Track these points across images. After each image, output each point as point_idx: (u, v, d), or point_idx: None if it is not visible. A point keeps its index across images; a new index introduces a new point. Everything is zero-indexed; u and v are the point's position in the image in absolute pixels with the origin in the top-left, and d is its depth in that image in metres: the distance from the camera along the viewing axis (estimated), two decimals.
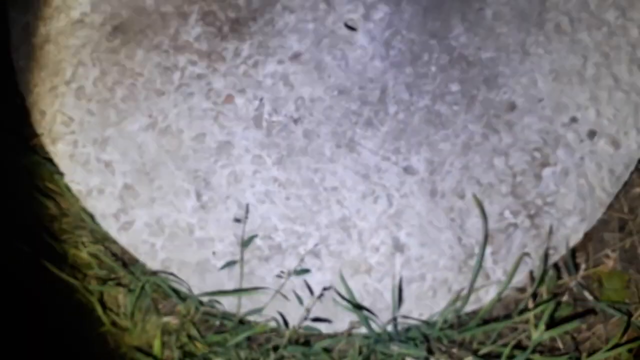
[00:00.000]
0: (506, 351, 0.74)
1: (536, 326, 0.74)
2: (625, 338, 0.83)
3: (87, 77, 0.81)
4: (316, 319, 0.79)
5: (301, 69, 0.82)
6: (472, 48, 0.83)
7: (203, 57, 0.82)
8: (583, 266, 0.85)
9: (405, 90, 0.82)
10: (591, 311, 0.84)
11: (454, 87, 0.82)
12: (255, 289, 0.79)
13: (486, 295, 0.80)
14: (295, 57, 0.82)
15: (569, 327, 0.74)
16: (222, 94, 0.81)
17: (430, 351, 0.73)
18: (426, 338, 0.76)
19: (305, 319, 0.78)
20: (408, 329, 0.79)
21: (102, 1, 0.82)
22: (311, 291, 0.79)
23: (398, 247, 0.80)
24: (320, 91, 0.82)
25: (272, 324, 0.79)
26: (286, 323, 0.79)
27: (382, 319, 0.79)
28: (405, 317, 0.79)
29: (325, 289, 0.79)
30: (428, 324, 0.78)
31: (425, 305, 0.80)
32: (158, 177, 0.80)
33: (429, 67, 0.83)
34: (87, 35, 0.81)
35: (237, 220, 0.78)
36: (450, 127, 0.82)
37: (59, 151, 0.79)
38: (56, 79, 0.81)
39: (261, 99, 0.81)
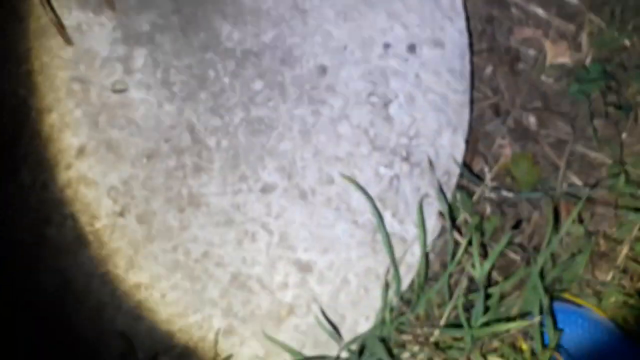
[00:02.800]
0: (458, 302, 0.71)
1: (473, 266, 0.71)
2: (564, 211, 0.83)
3: None
4: None
5: (94, 160, 0.77)
6: (250, 38, 0.82)
7: None
8: (486, 169, 0.84)
9: (212, 117, 0.79)
10: (516, 207, 0.83)
11: (258, 85, 0.80)
12: None
13: (414, 259, 0.77)
14: (81, 152, 0.77)
15: (503, 244, 0.71)
16: (29, 240, 0.74)
17: (391, 354, 0.68)
18: (384, 340, 0.72)
19: None
20: (365, 341, 0.74)
21: None
22: None
23: (304, 268, 0.76)
24: (128, 168, 0.77)
25: None
26: None
27: (333, 352, 0.74)
28: (354, 338, 0.74)
29: None
30: (378, 325, 0.73)
31: (365, 307, 0.76)
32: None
33: (221, 81, 0.80)
34: None
35: (124, 356, 0.71)
36: (279, 125, 0.79)
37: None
38: None
39: (72, 215, 0.76)
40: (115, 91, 0.80)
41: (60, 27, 0.81)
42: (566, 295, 0.77)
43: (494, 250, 0.73)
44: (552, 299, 0.73)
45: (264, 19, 0.83)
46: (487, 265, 0.72)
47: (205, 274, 0.76)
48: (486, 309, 0.75)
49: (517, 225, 0.83)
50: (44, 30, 0.82)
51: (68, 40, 0.82)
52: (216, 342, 0.74)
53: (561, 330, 0.70)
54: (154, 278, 0.75)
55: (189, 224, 0.77)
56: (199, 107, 0.80)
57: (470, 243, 0.75)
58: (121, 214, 0.77)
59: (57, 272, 0.75)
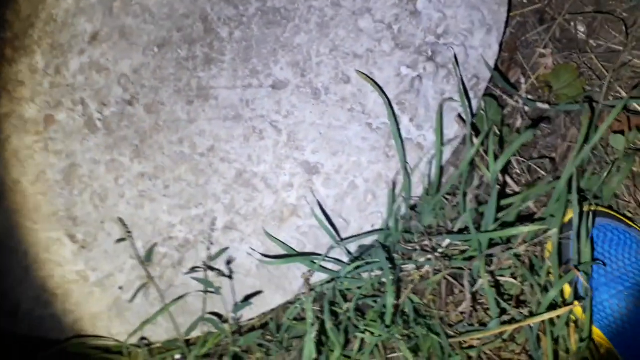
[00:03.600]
0: (466, 216, 0.65)
1: (493, 160, 0.65)
2: (603, 122, 0.74)
3: None
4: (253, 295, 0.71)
5: (107, 47, 0.76)
6: None
7: (1, 94, 0.75)
8: (522, 80, 0.77)
9: (227, 6, 0.76)
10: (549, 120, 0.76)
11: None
12: (177, 300, 0.71)
13: (430, 168, 0.72)
14: (94, 38, 0.76)
15: (523, 139, 0.64)
16: (40, 119, 0.75)
17: (392, 262, 0.65)
18: (387, 250, 0.68)
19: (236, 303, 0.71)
20: (370, 248, 0.71)
21: None
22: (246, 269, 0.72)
23: (311, 170, 0.73)
24: (139, 57, 0.75)
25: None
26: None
27: (334, 254, 0.71)
28: (354, 235, 0.71)
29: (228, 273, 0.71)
30: (384, 231, 0.70)
31: (372, 214, 0.72)
32: (19, 243, 0.73)
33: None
34: None
35: (122, 240, 0.71)
36: (295, 16, 0.75)
37: None
38: None
39: (83, 101, 0.75)
40: None
41: None
42: (614, 213, 0.69)
43: (511, 145, 0.66)
44: (595, 214, 0.65)
45: None
46: (502, 160, 0.65)
47: (210, 169, 0.75)
48: (505, 219, 0.68)
49: (538, 125, 0.74)
50: None
51: None
52: (210, 238, 0.73)
53: (594, 246, 0.63)
54: (158, 169, 0.75)
55: (196, 116, 0.75)
56: None
57: (486, 144, 0.68)
58: (130, 102, 0.76)
59: (65, 155, 0.76)
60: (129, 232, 0.72)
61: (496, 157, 0.67)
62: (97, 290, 0.73)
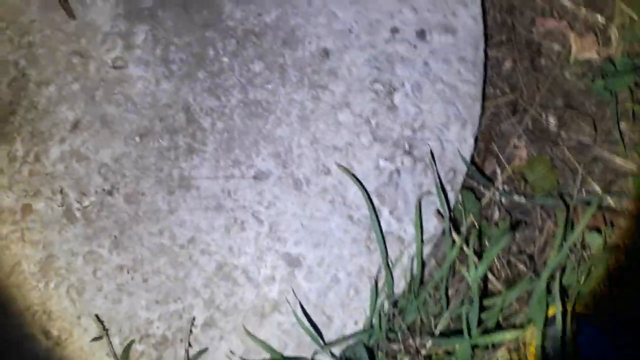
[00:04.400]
0: (457, 311, 0.67)
1: (473, 266, 0.67)
2: (579, 220, 0.77)
3: None
4: None
5: (88, 135, 0.77)
6: (253, 17, 0.80)
7: None
8: (498, 171, 0.80)
9: (209, 97, 0.78)
10: (528, 212, 0.78)
11: (257, 67, 0.78)
12: None
13: (412, 261, 0.73)
14: (75, 126, 0.77)
15: (501, 245, 0.67)
16: (17, 208, 0.74)
17: None
18: (370, 348, 0.69)
19: None
20: (349, 348, 0.71)
21: None
22: None
23: (293, 262, 0.74)
24: (121, 146, 0.76)
25: None
26: None
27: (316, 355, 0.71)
28: (336, 340, 0.71)
29: None
30: (366, 331, 0.70)
31: (355, 310, 0.73)
32: None
33: (219, 60, 0.79)
34: None
35: (98, 338, 0.70)
36: (276, 109, 0.77)
37: None
38: None
39: (61, 190, 0.75)
40: (115, 67, 0.80)
41: (65, 0, 0.82)
42: (595, 315, 0.71)
43: (490, 251, 0.68)
44: (578, 317, 0.67)
45: None
46: (482, 267, 0.67)
47: (190, 261, 0.75)
48: (487, 322, 0.70)
49: (515, 227, 0.77)
50: (47, 3, 0.83)
51: (71, 14, 0.82)
52: (190, 332, 0.73)
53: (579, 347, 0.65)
54: (137, 261, 0.74)
55: (177, 207, 0.76)
56: (196, 86, 0.79)
57: (467, 243, 0.70)
58: (110, 192, 0.76)
59: (42, 246, 0.75)
60: (105, 329, 0.71)
61: (476, 254, 0.69)
62: None
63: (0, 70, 0.79)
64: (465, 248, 0.69)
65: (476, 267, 0.66)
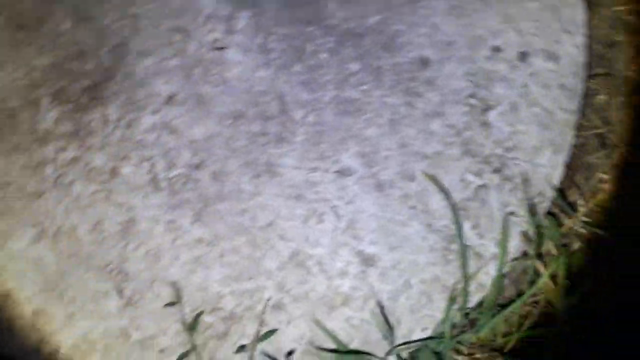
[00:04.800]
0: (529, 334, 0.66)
1: (552, 301, 0.66)
2: None
3: None
4: None
5: (182, 110, 0.79)
6: (355, 18, 0.82)
7: (71, 139, 0.78)
8: (581, 202, 0.79)
9: (303, 90, 0.79)
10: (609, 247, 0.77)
11: (354, 66, 0.80)
12: None
13: (487, 278, 0.73)
14: (170, 100, 0.79)
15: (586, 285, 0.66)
16: (106, 169, 0.77)
17: None
18: (439, 355, 0.68)
19: None
20: (417, 351, 0.71)
21: None
22: (289, 353, 0.71)
23: (367, 261, 0.74)
24: (213, 125, 0.78)
25: None
26: None
27: (381, 354, 0.71)
28: (406, 342, 0.71)
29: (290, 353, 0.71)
30: (436, 338, 0.70)
31: (424, 317, 0.73)
32: (68, 289, 0.74)
33: (317, 56, 0.81)
34: None
35: (172, 304, 0.71)
36: (369, 109, 0.78)
37: None
38: None
39: (150, 159, 0.77)
40: (214, 48, 0.83)
41: None
42: None
43: (579, 286, 0.68)
44: None
45: (372, 1, 0.83)
46: (570, 300, 0.67)
47: (267, 244, 0.76)
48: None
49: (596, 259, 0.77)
50: None
51: None
52: (262, 316, 0.73)
53: None
54: (216, 236, 0.76)
55: (261, 191, 0.78)
56: (292, 78, 0.81)
57: (553, 276, 0.70)
58: (198, 167, 0.78)
59: (125, 209, 0.77)
60: (179, 297, 0.73)
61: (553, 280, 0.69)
62: (138, 349, 0.73)
63: (104, 37, 0.82)
64: (545, 275, 0.69)
65: (563, 297, 0.66)
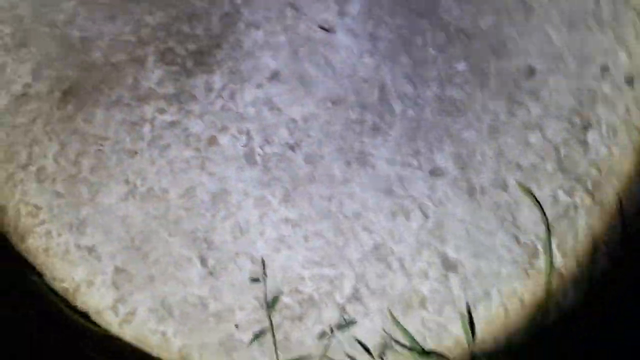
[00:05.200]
0: None
1: None
2: None
3: (45, 155, 0.77)
4: None
5: (284, 88, 0.79)
6: (468, 18, 0.81)
7: (172, 101, 0.78)
8: None
9: (406, 83, 0.79)
10: None
11: (461, 66, 0.79)
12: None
13: (566, 298, 0.73)
14: (274, 76, 0.79)
15: None
16: (203, 136, 0.78)
17: None
18: None
19: None
20: None
21: (44, 67, 0.79)
22: (364, 347, 0.73)
23: (449, 265, 0.75)
24: (312, 107, 0.78)
25: None
26: None
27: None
28: (480, 352, 0.72)
29: (367, 349, 0.72)
30: (511, 351, 0.71)
31: (500, 328, 0.73)
32: (152, 250, 0.75)
33: (425, 50, 0.80)
34: (36, 108, 0.78)
35: (255, 280, 0.73)
36: (469, 112, 0.78)
37: (31, 247, 0.74)
38: (10, 166, 0.76)
39: (248, 132, 0.77)
40: (323, 29, 0.82)
41: None
42: None
43: None
44: None
45: (488, 3, 0.82)
46: None
47: (351, 233, 0.77)
48: None
49: None
50: None
51: None
52: (342, 305, 0.75)
53: None
54: (303, 218, 0.77)
55: (351, 179, 0.78)
56: (396, 68, 0.81)
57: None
58: (292, 147, 0.79)
59: (218, 179, 0.78)
60: (264, 273, 0.74)
61: None
62: (213, 321, 0.75)
63: (216, 3, 0.82)
64: None
65: None
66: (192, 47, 0.82)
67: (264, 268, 0.75)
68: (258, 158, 0.79)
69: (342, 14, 0.83)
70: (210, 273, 0.77)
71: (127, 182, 0.78)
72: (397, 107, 0.81)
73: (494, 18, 0.82)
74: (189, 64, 0.82)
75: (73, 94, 0.81)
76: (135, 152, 0.79)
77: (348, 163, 0.79)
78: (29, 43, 0.82)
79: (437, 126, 0.80)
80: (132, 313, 0.76)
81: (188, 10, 0.82)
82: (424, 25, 0.83)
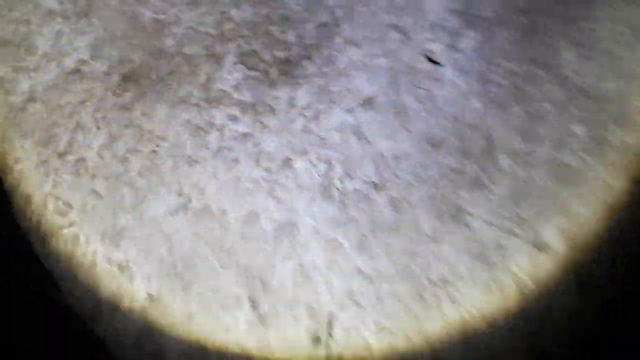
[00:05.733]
0: None
1: None
2: None
3: (89, 145, 0.65)
4: None
5: (377, 117, 0.69)
6: (590, 77, 0.72)
7: (247, 110, 0.67)
8: None
9: (516, 137, 0.69)
10: None
11: (579, 129, 0.70)
12: None
13: None
14: (367, 102, 0.69)
15: None
16: (277, 157, 0.66)
17: None
18: None
19: None
20: None
21: (105, 44, 0.68)
22: None
23: None
24: (405, 144, 0.68)
25: None
26: None
27: None
28: None
29: None
30: None
31: None
32: (196, 281, 0.62)
33: (541, 104, 0.70)
34: (87, 89, 0.66)
35: (317, 340, 0.60)
36: (586, 183, 0.67)
37: (53, 252, 0.61)
38: (46, 150, 0.64)
39: (328, 161, 0.66)
40: (430, 60, 0.72)
41: None
42: None
43: None
44: None
45: (613, 64, 0.73)
46: None
47: (434, 302, 0.64)
48: None
49: None
50: None
51: None
52: None
53: None
54: (379, 273, 0.65)
55: (441, 237, 0.66)
56: (507, 119, 0.71)
57: None
58: (377, 187, 0.67)
59: (286, 208, 0.66)
60: (329, 334, 0.61)
61: None
62: None
63: (315, 9, 0.73)
64: None
65: None
66: (279, 53, 0.71)
67: (330, 327, 0.62)
68: (336, 192, 0.67)
69: (452, 47, 0.73)
70: (261, 320, 0.63)
71: (180, 193, 0.66)
72: (504, 163, 0.70)
73: (618, 83, 0.73)
74: (273, 72, 0.71)
75: (134, 80, 0.69)
76: (196, 161, 0.67)
77: (439, 217, 0.68)
78: (92, 14, 0.71)
79: (546, 193, 0.69)
80: (158, 354, 0.62)
81: (281, 12, 0.71)
82: (541, 75, 0.73)
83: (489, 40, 0.74)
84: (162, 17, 0.70)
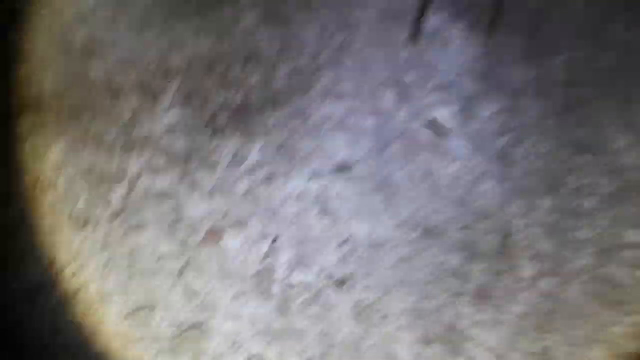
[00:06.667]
0: None
1: None
2: None
3: None
4: None
5: (352, 190, 0.52)
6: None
7: (175, 162, 0.51)
8: None
9: (545, 238, 0.49)
10: None
11: (633, 236, 0.50)
12: None
13: None
14: (342, 169, 0.52)
15: None
16: (200, 228, 0.49)
17: None
18: None
19: None
20: None
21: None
22: None
23: None
24: (387, 230, 0.50)
25: None
26: None
27: None
28: None
29: None
30: None
31: None
32: None
33: (584, 199, 0.51)
34: None
35: None
36: (632, 303, 0.46)
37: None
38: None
39: (274, 241, 0.47)
40: (432, 127, 0.55)
41: (420, 21, 0.61)
42: None
43: None
44: None
45: None
46: None
47: None
48: None
49: None
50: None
51: (413, 39, 0.61)
52: None
53: None
54: None
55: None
56: (533, 213, 0.51)
57: None
58: (339, 284, 0.47)
59: (198, 306, 0.46)
60: None
61: None
62: None
63: (290, 52, 0.58)
64: None
65: None
66: (235, 97, 0.55)
67: None
68: (276, 288, 0.47)
69: (466, 115, 0.56)
70: None
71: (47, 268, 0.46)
72: (526, 271, 0.49)
73: None
74: (222, 118, 0.54)
75: (35, 109, 0.54)
76: (86, 222, 0.48)
77: (427, 342, 0.46)
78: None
79: (582, 315, 0.47)
80: None
81: (249, 50, 0.57)
82: (587, 162, 0.54)
83: (516, 112, 0.57)
84: (97, 39, 0.56)
